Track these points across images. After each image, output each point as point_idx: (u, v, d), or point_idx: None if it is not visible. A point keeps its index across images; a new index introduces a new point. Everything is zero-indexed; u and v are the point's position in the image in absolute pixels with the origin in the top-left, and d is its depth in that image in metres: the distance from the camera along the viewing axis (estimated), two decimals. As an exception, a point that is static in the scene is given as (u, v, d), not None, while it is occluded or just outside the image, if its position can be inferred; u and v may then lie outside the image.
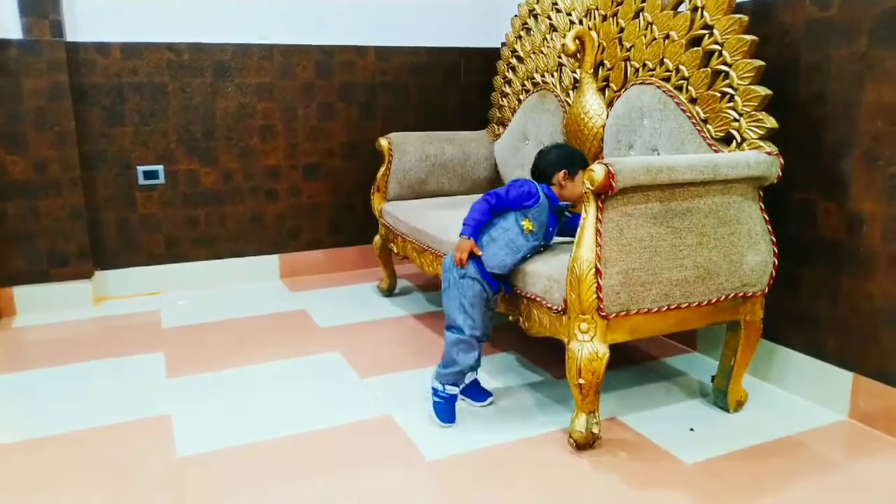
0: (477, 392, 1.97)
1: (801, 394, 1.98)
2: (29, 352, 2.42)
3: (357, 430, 1.83)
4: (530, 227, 1.79)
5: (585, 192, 1.59)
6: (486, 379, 2.09)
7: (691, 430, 1.81)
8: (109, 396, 2.04)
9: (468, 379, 1.93)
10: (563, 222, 1.89)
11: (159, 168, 2.98)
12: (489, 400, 1.96)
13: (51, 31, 2.66)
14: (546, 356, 2.25)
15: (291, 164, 3.20)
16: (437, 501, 1.53)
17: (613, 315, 1.62)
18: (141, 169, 2.95)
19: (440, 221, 2.38)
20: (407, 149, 2.85)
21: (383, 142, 2.84)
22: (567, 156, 1.91)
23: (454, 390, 1.83)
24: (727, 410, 1.90)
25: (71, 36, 2.75)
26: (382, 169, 2.86)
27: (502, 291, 1.87)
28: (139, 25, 2.85)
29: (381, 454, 1.71)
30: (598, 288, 1.57)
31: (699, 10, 1.96)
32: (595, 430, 1.68)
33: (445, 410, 1.83)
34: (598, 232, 1.57)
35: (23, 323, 2.70)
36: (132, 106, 2.89)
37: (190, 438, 1.78)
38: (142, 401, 2.01)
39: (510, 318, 1.95)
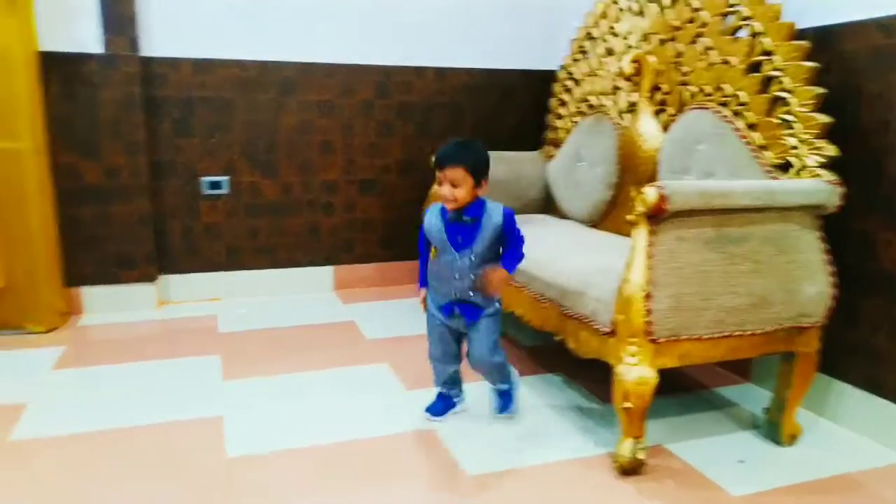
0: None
1: (859, 431, 1.91)
2: (94, 349, 2.54)
3: (402, 441, 1.85)
4: (433, 253, 1.84)
5: (637, 215, 1.59)
6: (533, 398, 2.10)
7: (741, 461, 1.77)
8: (167, 395, 2.13)
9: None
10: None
11: (224, 179, 3.10)
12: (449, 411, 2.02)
13: (128, 46, 2.81)
14: (592, 378, 2.24)
15: (348, 179, 3.29)
16: (477, 517, 1.54)
17: (662, 340, 1.61)
18: (206, 179, 3.08)
19: (491, 239, 2.40)
20: (461, 167, 2.88)
21: (438, 159, 2.89)
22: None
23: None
24: (780, 444, 1.85)
25: (146, 51, 2.90)
26: (435, 186, 2.90)
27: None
28: (210, 43, 2.98)
29: (424, 466, 1.73)
30: (648, 312, 1.57)
31: (759, 36, 1.95)
32: (640, 456, 1.67)
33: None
34: (649, 255, 1.56)
35: (89, 322, 2.84)
36: (200, 119, 3.03)
37: (240, 440, 1.84)
38: (197, 401, 2.09)
39: (557, 337, 1.95)
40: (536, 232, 2.48)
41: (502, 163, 2.96)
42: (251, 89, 3.07)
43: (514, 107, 3.50)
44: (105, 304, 2.94)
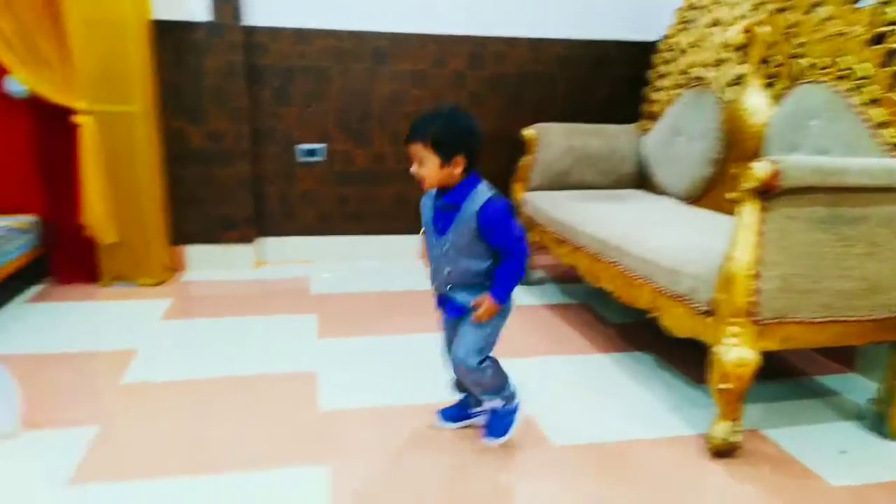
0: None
1: (974, 429, 1.79)
2: (198, 303, 2.70)
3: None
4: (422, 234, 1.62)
5: (744, 191, 1.53)
6: (623, 376, 2.08)
7: (842, 452, 1.69)
8: (265, 349, 2.24)
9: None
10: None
11: (319, 147, 3.18)
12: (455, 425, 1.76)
13: (232, 15, 2.91)
14: (684, 358, 2.19)
15: (438, 150, 3.30)
16: (562, 485, 1.54)
17: (766, 321, 1.55)
18: (302, 147, 3.17)
19: (581, 213, 2.38)
20: (552, 140, 2.85)
21: (530, 132, 2.86)
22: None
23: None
24: (886, 437, 1.75)
25: (249, 21, 2.99)
26: (526, 159, 2.88)
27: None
28: (308, 13, 3.04)
29: (511, 434, 1.75)
30: (753, 291, 1.51)
31: (885, 5, 1.82)
32: (735, 439, 1.62)
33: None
34: (757, 233, 1.50)
35: (192, 278, 3.01)
36: (298, 87, 3.11)
37: (332, 395, 1.92)
38: (293, 356, 2.19)
39: (649, 315, 1.92)
40: (630, 207, 2.44)
41: (595, 136, 2.91)
42: (347, 59, 3.13)
43: (609, 78, 3.41)
44: (206, 262, 3.11)
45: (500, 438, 1.65)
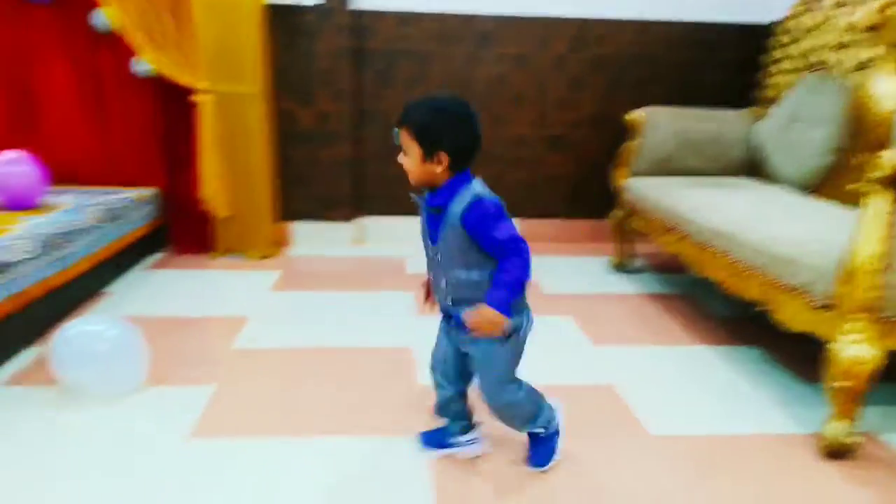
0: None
1: None
2: (303, 276, 2.82)
3: (583, 393, 1.87)
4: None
5: (872, 181, 1.44)
6: (726, 370, 2.02)
7: (970, 463, 1.58)
8: (366, 322, 2.32)
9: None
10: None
11: (419, 128, 3.23)
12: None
13: (341, -1, 2.99)
14: (792, 353, 2.10)
15: (537, 134, 3.29)
16: (661, 476, 1.52)
17: (893, 318, 1.46)
18: (402, 129, 3.23)
19: (690, 200, 2.31)
20: (659, 124, 2.77)
21: (637, 115, 2.79)
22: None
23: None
24: None
25: (356, 4, 3.06)
26: (630, 143, 2.82)
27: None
28: (413, -3, 3.09)
29: (604, 421, 1.74)
30: (879, 287, 1.43)
31: None
32: (849, 441, 1.55)
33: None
34: (887, 224, 1.42)
35: (297, 253, 3.15)
36: (401, 70, 3.16)
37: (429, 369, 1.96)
38: (392, 330, 2.25)
39: (759, 308, 1.85)
40: (742, 195, 2.35)
41: (705, 121, 2.81)
42: (450, 42, 3.15)
43: (717, 62, 3.27)
44: (310, 238, 3.24)
45: (545, 466, 1.50)
